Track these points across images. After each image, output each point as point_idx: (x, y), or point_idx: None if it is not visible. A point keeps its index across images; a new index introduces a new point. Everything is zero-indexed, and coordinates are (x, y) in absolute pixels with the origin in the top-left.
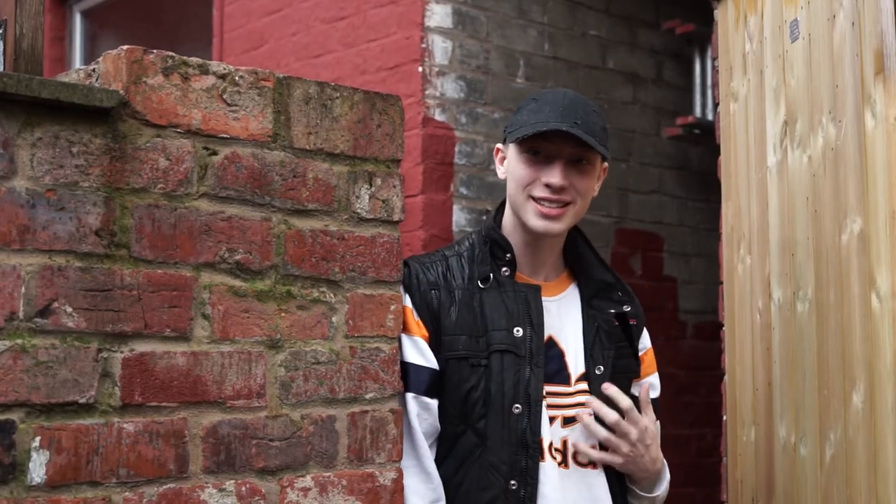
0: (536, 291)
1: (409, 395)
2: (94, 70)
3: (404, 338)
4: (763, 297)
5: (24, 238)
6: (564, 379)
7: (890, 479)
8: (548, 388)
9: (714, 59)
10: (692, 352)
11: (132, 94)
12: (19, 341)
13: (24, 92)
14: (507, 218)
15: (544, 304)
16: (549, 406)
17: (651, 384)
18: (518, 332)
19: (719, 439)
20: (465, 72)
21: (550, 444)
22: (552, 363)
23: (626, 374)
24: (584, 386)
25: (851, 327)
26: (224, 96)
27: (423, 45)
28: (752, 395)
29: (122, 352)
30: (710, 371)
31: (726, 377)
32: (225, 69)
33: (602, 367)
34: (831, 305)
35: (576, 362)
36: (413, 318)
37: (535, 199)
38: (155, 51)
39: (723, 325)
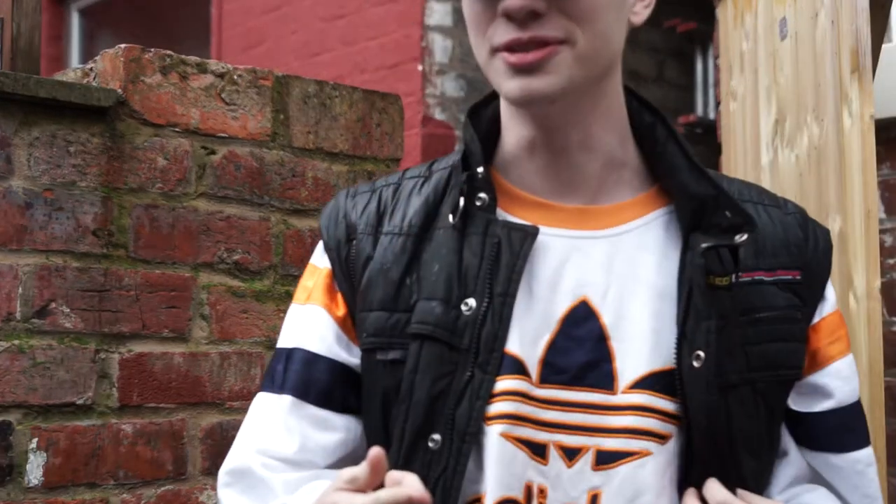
0: (525, 235)
1: (287, 399)
2: (91, 69)
3: (302, 310)
4: None
5: (21, 238)
6: (602, 381)
7: None
8: (570, 396)
9: (716, 57)
10: None
11: (130, 93)
12: (17, 342)
13: (21, 91)
14: (504, 105)
15: (583, 245)
16: (571, 429)
17: (832, 387)
18: (467, 305)
19: None
20: (465, 70)
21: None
22: (580, 350)
23: (771, 371)
24: (643, 398)
25: None
26: (223, 95)
27: (423, 44)
28: None
29: (119, 352)
30: None
31: None
32: (223, 68)
33: (702, 354)
34: None
35: (637, 352)
36: (326, 284)
37: (501, 49)
38: (153, 49)
39: None
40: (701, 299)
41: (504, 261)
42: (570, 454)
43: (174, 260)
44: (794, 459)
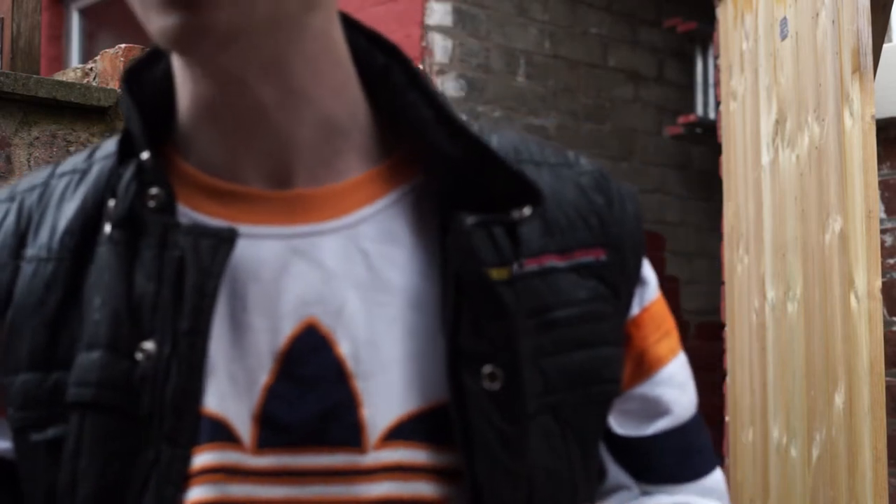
0: (219, 242)
1: None
2: (91, 68)
3: None
4: (759, 298)
5: None
6: (347, 435)
7: (867, 481)
8: (302, 461)
9: (716, 57)
10: (694, 352)
11: None
12: None
13: (20, 91)
14: (177, 67)
15: (304, 245)
16: None
17: (668, 399)
18: (144, 352)
19: (720, 440)
20: (465, 70)
21: None
22: (311, 396)
23: (578, 389)
24: (399, 453)
25: (834, 328)
26: None
27: (423, 44)
28: (751, 395)
29: None
30: (713, 371)
31: (728, 377)
32: None
33: (498, 370)
34: (816, 305)
35: (389, 388)
36: None
37: None
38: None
39: (724, 326)
40: (479, 296)
41: (190, 282)
42: None
43: None
44: (636, 492)
